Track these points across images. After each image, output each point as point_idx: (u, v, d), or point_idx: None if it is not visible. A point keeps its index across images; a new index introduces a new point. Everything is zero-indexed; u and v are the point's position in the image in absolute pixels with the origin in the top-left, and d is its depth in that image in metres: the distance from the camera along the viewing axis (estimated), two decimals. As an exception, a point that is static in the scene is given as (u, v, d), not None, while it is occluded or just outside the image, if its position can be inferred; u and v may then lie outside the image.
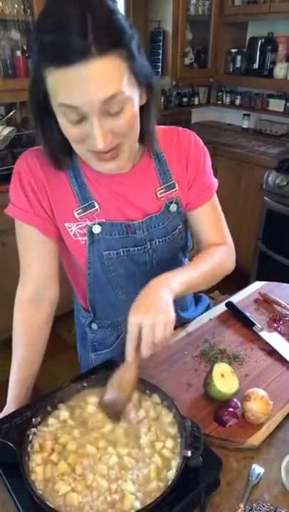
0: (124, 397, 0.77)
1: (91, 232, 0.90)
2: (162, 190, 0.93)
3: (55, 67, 0.65)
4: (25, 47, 2.35)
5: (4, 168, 2.19)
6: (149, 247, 0.94)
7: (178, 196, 0.95)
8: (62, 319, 1.73)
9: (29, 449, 0.70)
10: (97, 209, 0.89)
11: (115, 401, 0.77)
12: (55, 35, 0.63)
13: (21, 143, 2.49)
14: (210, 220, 1.01)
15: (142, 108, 0.79)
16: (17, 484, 0.67)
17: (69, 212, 0.89)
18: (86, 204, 0.89)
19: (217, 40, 3.11)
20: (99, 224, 0.89)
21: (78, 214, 0.89)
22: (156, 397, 0.80)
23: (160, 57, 2.96)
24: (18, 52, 2.32)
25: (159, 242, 0.95)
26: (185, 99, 3.39)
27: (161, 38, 2.91)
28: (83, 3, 0.63)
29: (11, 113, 2.46)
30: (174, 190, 0.94)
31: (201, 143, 0.98)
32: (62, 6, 0.64)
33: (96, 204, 0.89)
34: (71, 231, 0.91)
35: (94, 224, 0.89)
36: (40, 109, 0.74)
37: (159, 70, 3.00)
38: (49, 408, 0.78)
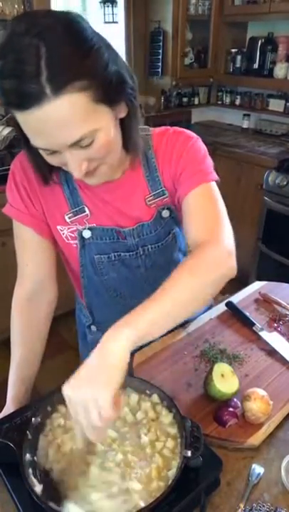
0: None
1: (82, 237, 0.90)
2: (151, 198, 0.90)
3: (15, 110, 0.64)
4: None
5: (4, 168, 2.20)
6: (141, 252, 0.93)
7: (169, 202, 0.92)
8: (63, 319, 1.73)
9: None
10: (87, 214, 0.89)
11: None
12: (10, 80, 0.60)
13: (21, 143, 2.48)
14: (197, 211, 0.84)
15: (123, 119, 0.75)
16: (17, 484, 0.67)
17: (60, 215, 0.90)
18: (77, 209, 0.89)
19: (217, 40, 3.11)
20: (89, 229, 0.89)
21: (69, 218, 0.90)
22: (155, 397, 0.80)
23: (160, 57, 2.96)
24: None
25: (151, 248, 0.94)
26: (185, 99, 3.38)
27: (161, 38, 2.90)
28: (37, 37, 0.59)
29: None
30: (163, 197, 0.91)
31: (194, 138, 0.89)
32: (14, 45, 0.60)
33: (86, 209, 0.89)
34: (63, 234, 0.92)
35: (84, 228, 0.89)
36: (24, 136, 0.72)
37: (159, 70, 3.00)
38: (49, 408, 0.77)
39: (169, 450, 0.71)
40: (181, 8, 2.81)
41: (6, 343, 1.01)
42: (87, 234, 0.90)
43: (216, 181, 0.87)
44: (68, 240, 0.92)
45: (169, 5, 2.80)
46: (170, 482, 0.64)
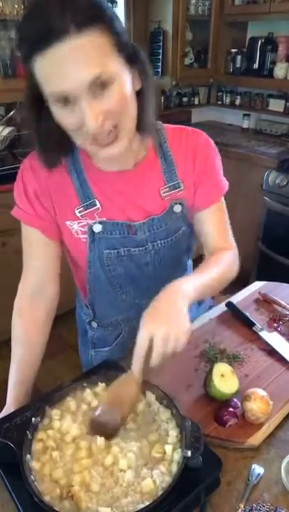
0: (122, 416, 0.73)
1: (92, 231, 0.90)
2: (166, 190, 0.91)
3: (38, 53, 0.65)
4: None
5: (4, 168, 2.19)
6: (150, 248, 0.93)
7: (183, 197, 0.93)
8: (63, 319, 1.73)
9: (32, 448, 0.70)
10: (98, 208, 0.89)
11: (110, 422, 0.73)
12: (34, 22, 0.65)
13: (21, 143, 2.48)
14: (217, 223, 0.97)
15: (137, 95, 0.77)
16: (17, 484, 0.67)
17: (71, 210, 0.90)
18: (87, 202, 0.89)
19: (217, 40, 3.11)
20: (100, 223, 0.89)
21: (80, 212, 0.89)
22: (155, 397, 0.80)
23: (160, 57, 2.96)
24: (18, 53, 2.32)
25: (161, 243, 0.94)
26: (185, 99, 3.38)
27: (161, 38, 2.90)
28: None
29: (11, 113, 2.46)
30: (178, 189, 0.92)
31: (212, 143, 0.96)
32: None
33: (97, 203, 0.89)
34: (73, 229, 0.91)
35: (95, 223, 0.89)
36: (36, 108, 0.75)
37: (159, 70, 3.00)
38: (49, 408, 0.77)
39: (169, 450, 0.71)
40: (181, 8, 2.81)
41: (8, 343, 1.01)
42: (97, 228, 0.89)
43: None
44: (78, 234, 0.92)
45: (169, 5, 2.80)
46: (170, 482, 0.64)
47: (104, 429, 0.73)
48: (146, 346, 0.69)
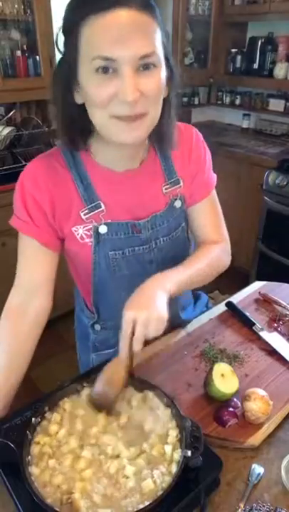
0: (115, 390, 0.79)
1: (97, 233, 0.90)
2: (167, 186, 0.94)
3: (95, 13, 0.66)
4: (25, 47, 2.35)
5: (4, 168, 2.19)
6: (154, 245, 0.95)
7: (182, 193, 0.96)
8: (63, 319, 1.74)
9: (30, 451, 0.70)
10: (103, 210, 0.89)
11: (104, 394, 0.79)
12: None
13: (21, 143, 2.49)
14: (209, 216, 1.02)
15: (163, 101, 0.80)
16: (17, 484, 0.67)
17: (76, 214, 0.89)
18: (92, 205, 0.89)
19: (217, 40, 3.11)
20: (105, 224, 0.90)
21: (85, 215, 0.89)
22: (156, 397, 0.80)
23: (160, 57, 2.96)
24: (18, 52, 2.32)
25: (163, 240, 0.96)
26: (185, 99, 3.38)
27: (161, 38, 2.90)
28: None
29: (11, 113, 2.46)
30: (178, 186, 0.95)
31: (202, 137, 1.00)
32: None
33: (102, 204, 0.89)
34: (78, 234, 0.91)
35: (100, 224, 0.89)
36: (67, 84, 0.76)
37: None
38: (48, 408, 0.77)
39: (169, 450, 0.71)
40: (181, 8, 2.81)
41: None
42: (103, 229, 0.90)
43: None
44: (83, 239, 0.91)
45: (169, 5, 2.80)
46: (170, 482, 0.64)
47: (101, 402, 0.79)
48: (129, 330, 0.77)
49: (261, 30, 3.01)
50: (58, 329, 2.27)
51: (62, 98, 0.79)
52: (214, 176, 1.02)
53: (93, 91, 0.73)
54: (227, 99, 3.42)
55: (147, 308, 0.77)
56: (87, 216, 0.89)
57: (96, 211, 0.89)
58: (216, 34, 3.08)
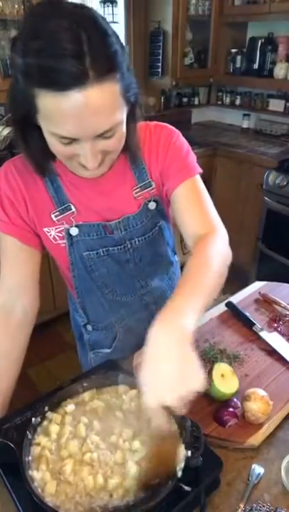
0: (170, 469, 0.65)
1: (69, 235, 0.90)
2: (138, 189, 0.92)
3: (47, 91, 0.61)
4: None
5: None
6: (129, 246, 0.94)
7: (156, 194, 0.94)
8: (62, 319, 1.73)
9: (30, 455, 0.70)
10: (73, 211, 0.90)
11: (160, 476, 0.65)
12: (46, 59, 0.58)
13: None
14: (192, 201, 0.90)
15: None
16: (17, 484, 0.67)
17: (47, 216, 0.90)
18: (63, 207, 0.89)
19: (217, 40, 3.11)
20: (76, 226, 0.90)
21: (56, 217, 0.89)
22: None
23: (160, 57, 2.96)
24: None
25: (138, 241, 0.95)
26: (185, 99, 3.38)
27: (161, 38, 2.90)
28: (75, 23, 0.59)
29: (11, 113, 2.46)
30: (150, 188, 0.92)
31: (175, 133, 0.92)
32: (50, 26, 0.59)
33: (72, 207, 0.89)
34: (50, 235, 0.92)
35: (71, 226, 0.90)
36: (24, 121, 0.72)
37: (159, 70, 3.00)
38: (48, 408, 0.77)
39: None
40: (181, 8, 2.81)
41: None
42: (74, 231, 0.90)
43: (200, 173, 0.93)
44: (56, 240, 0.92)
45: (169, 5, 2.79)
46: (170, 482, 0.64)
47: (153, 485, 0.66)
48: (160, 413, 0.61)
49: (261, 31, 3.01)
50: (58, 329, 2.27)
51: (25, 140, 0.76)
52: (193, 164, 0.92)
53: (53, 148, 0.72)
54: (227, 100, 3.42)
55: (176, 384, 0.60)
56: (58, 218, 0.90)
57: (67, 213, 0.89)
58: (216, 34, 3.08)
